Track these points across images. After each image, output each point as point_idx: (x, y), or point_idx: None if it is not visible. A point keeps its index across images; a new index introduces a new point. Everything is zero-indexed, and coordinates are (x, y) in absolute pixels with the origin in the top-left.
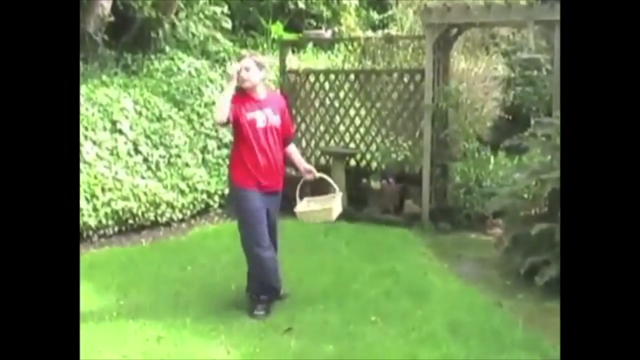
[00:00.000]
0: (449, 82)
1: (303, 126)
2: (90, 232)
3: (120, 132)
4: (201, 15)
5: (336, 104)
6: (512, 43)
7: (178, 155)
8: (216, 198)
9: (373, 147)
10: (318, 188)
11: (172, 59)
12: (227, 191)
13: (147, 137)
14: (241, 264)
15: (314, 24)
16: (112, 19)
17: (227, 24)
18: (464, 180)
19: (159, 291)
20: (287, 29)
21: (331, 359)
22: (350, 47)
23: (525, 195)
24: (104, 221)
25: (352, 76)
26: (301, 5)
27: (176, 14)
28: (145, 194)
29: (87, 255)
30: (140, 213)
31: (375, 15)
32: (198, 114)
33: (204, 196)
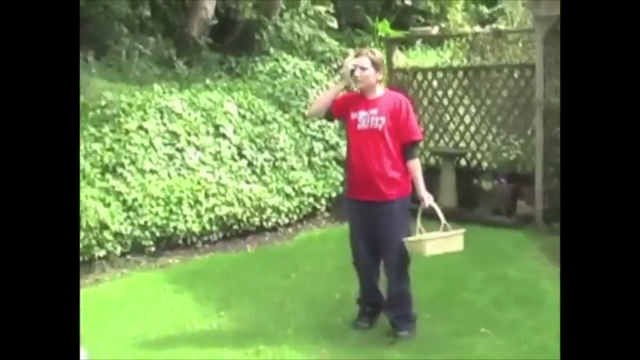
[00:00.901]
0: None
1: None
2: (194, 239)
3: (224, 136)
4: (305, 15)
5: (445, 102)
6: None
7: (283, 159)
8: (323, 201)
9: (483, 147)
10: None
11: (277, 60)
12: (334, 194)
13: (252, 140)
14: (346, 270)
15: (422, 20)
16: (215, 22)
17: (333, 23)
18: None
19: (261, 301)
20: (395, 26)
21: None
22: (458, 43)
23: None
24: (207, 227)
25: (460, 73)
26: (408, 2)
27: (280, 14)
28: (250, 198)
29: (191, 262)
30: (245, 218)
31: (484, 10)
32: (303, 115)
33: (311, 200)
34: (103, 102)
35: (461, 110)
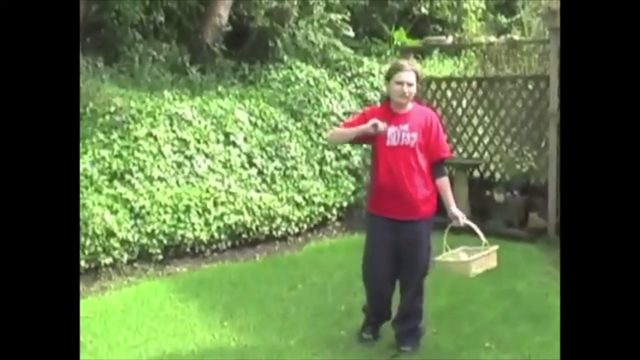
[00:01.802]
0: None
1: None
2: (203, 247)
3: (234, 144)
4: (321, 22)
5: (459, 112)
6: None
7: (294, 167)
8: (334, 211)
9: (497, 158)
10: None
11: (290, 68)
12: (345, 204)
13: (262, 149)
14: (354, 282)
15: (439, 29)
16: (229, 28)
17: (349, 32)
18: None
19: (265, 311)
20: (412, 35)
21: None
22: (472, 53)
23: None
24: (216, 236)
25: (474, 83)
26: (425, 10)
27: (296, 22)
28: (259, 207)
29: (198, 271)
30: (254, 227)
31: (503, 19)
32: (316, 124)
33: (321, 209)
34: (112, 109)
35: (475, 120)
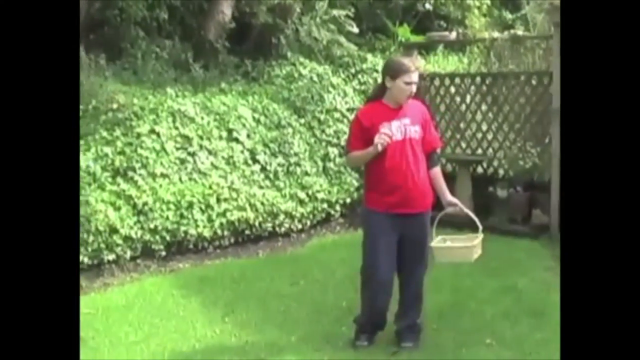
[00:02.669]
0: None
1: None
2: (206, 244)
3: (237, 140)
4: (324, 19)
5: (462, 108)
6: None
7: (297, 164)
8: (337, 207)
9: (500, 154)
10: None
11: (294, 64)
12: (349, 200)
13: (265, 145)
14: (356, 278)
15: (444, 25)
16: (232, 25)
17: (352, 28)
18: None
19: (267, 308)
20: (416, 31)
21: None
22: (476, 48)
23: None
24: (219, 232)
25: (478, 79)
26: (429, 6)
27: (299, 18)
28: (262, 203)
29: (201, 267)
30: (257, 223)
31: (508, 15)
32: (319, 120)
33: (325, 205)
34: (115, 106)
35: (478, 116)
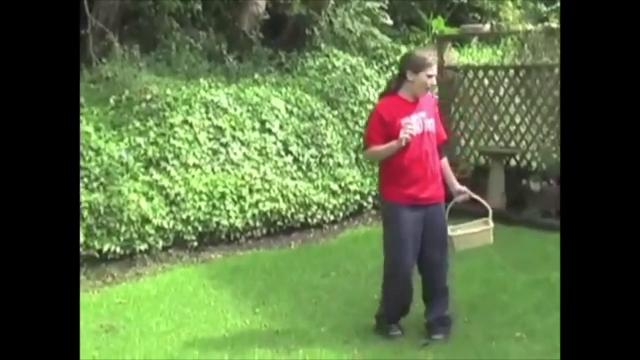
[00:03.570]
0: None
1: (462, 125)
2: (238, 234)
3: (270, 131)
4: (358, 10)
5: (496, 100)
6: None
7: (330, 155)
8: (370, 199)
9: (533, 147)
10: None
11: (327, 56)
12: None
13: (298, 136)
14: None
15: (478, 17)
16: (267, 16)
17: (386, 20)
18: None
19: (298, 298)
20: (450, 23)
21: None
22: (510, 41)
23: None
24: (251, 223)
25: (511, 72)
26: None
27: (333, 10)
28: (295, 195)
29: (233, 257)
30: (289, 215)
31: (542, 8)
32: (352, 112)
33: (357, 197)
34: (148, 96)
35: (512, 109)
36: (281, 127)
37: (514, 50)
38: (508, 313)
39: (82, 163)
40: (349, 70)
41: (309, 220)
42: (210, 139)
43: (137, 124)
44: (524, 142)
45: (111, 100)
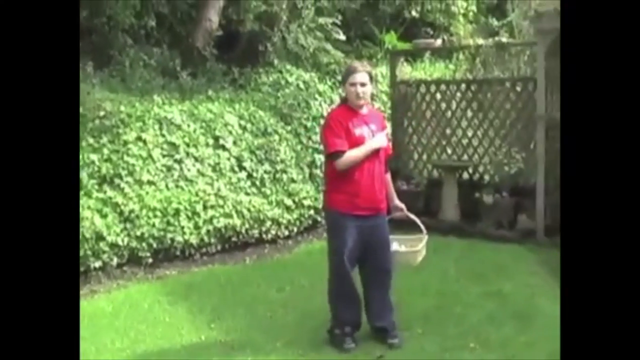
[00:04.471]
0: None
1: (415, 138)
2: (192, 250)
3: (224, 147)
4: (311, 26)
5: (448, 114)
6: None
7: (284, 171)
8: (324, 214)
9: (486, 159)
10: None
11: (280, 72)
12: None
13: (252, 152)
14: None
15: (431, 32)
16: (220, 33)
17: (339, 35)
18: None
19: (253, 313)
20: (404, 38)
21: None
22: (462, 55)
23: None
24: (206, 239)
25: (463, 86)
26: (415, 14)
27: (286, 26)
28: (249, 210)
29: (188, 274)
30: (244, 230)
31: (494, 22)
32: (306, 127)
33: (311, 212)
34: (102, 113)
35: (464, 122)
36: (235, 143)
37: (466, 64)
38: (462, 324)
39: None
40: (302, 85)
41: (264, 235)
42: (164, 156)
43: (91, 140)
44: (476, 155)
45: None
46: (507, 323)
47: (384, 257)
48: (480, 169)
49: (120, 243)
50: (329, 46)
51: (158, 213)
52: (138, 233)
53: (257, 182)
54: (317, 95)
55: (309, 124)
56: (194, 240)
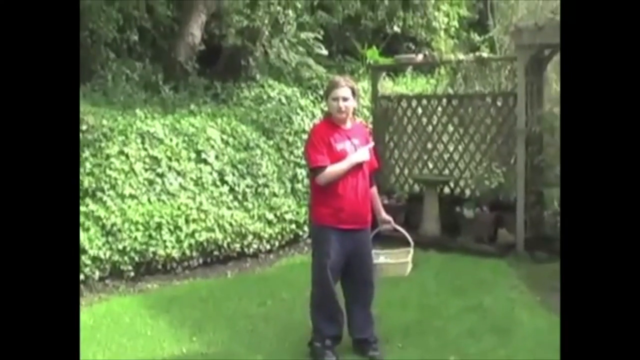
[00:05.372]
0: (543, 105)
1: (396, 153)
2: (174, 264)
3: (206, 162)
4: (293, 41)
5: (429, 129)
6: None
7: (266, 185)
8: (305, 228)
9: (467, 174)
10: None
11: (262, 86)
12: None
13: (234, 166)
14: None
15: (412, 47)
16: (203, 47)
17: (321, 50)
18: None
19: (234, 327)
20: (385, 53)
21: None
22: (443, 70)
23: None
24: (188, 253)
25: (444, 100)
26: (397, 29)
27: (269, 41)
28: (231, 224)
29: (169, 287)
30: (225, 244)
31: (476, 37)
32: (287, 142)
33: (293, 226)
34: (84, 127)
35: (445, 137)
36: (217, 157)
37: (447, 79)
38: (442, 337)
39: None
40: (284, 100)
41: (245, 249)
42: (146, 170)
43: None
44: (457, 170)
45: None
46: (487, 336)
47: (367, 270)
48: (461, 183)
49: (102, 256)
50: (311, 61)
51: (140, 227)
52: (120, 246)
53: (239, 196)
54: (299, 110)
55: (290, 139)
56: (175, 253)
